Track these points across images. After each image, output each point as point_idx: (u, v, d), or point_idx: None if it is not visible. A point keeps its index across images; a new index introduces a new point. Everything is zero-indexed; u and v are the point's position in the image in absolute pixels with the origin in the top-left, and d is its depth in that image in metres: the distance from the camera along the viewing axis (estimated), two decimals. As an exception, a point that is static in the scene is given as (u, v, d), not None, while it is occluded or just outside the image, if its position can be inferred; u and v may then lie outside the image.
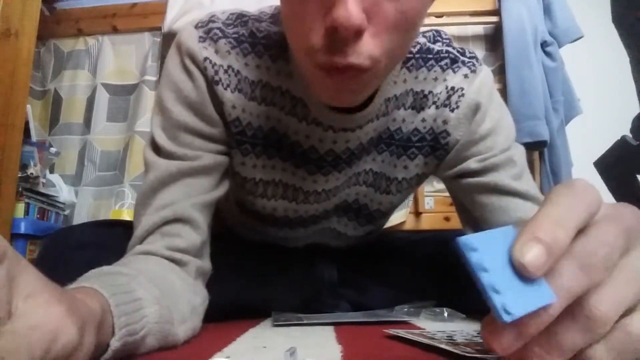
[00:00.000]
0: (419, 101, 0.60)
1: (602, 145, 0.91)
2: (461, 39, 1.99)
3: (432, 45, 0.60)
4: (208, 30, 0.55)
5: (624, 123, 0.88)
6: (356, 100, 0.51)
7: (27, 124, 1.57)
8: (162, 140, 0.54)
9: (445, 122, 0.60)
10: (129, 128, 1.95)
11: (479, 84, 0.60)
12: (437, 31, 0.63)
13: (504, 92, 1.83)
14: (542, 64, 1.77)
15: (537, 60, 1.75)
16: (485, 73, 0.61)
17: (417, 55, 0.59)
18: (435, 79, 0.60)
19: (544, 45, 1.79)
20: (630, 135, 0.81)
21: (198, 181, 0.54)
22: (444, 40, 0.62)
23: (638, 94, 0.88)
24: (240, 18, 0.57)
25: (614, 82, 1.56)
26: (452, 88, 0.60)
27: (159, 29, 1.99)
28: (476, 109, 0.59)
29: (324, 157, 0.60)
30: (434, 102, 0.60)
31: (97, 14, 2.10)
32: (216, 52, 0.55)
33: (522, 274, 0.21)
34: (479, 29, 2.00)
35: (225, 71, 0.55)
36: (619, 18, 0.86)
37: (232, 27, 0.56)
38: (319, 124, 0.57)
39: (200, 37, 0.54)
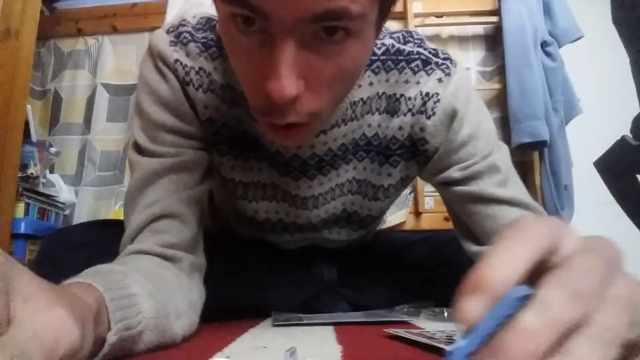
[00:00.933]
0: (392, 105, 0.59)
1: (602, 145, 0.91)
2: (461, 39, 1.99)
3: (402, 47, 0.59)
4: (178, 34, 0.56)
5: (624, 123, 0.88)
6: (304, 142, 0.54)
7: (27, 124, 1.57)
8: (143, 141, 0.55)
9: (422, 129, 0.59)
10: (129, 128, 1.95)
11: (454, 87, 0.58)
12: (407, 31, 0.62)
13: (504, 92, 1.84)
14: (542, 64, 1.76)
15: (537, 60, 1.75)
16: (460, 75, 0.59)
17: (382, 57, 0.58)
18: (407, 81, 0.59)
19: (544, 45, 1.78)
20: (630, 135, 0.81)
21: (182, 177, 0.54)
22: (415, 41, 0.60)
23: (638, 94, 0.88)
24: (209, 22, 0.58)
25: (614, 82, 1.56)
26: (427, 94, 0.58)
27: (159, 28, 1.99)
28: (453, 115, 0.57)
29: (290, 162, 0.60)
30: (410, 109, 0.59)
31: (97, 14, 2.10)
32: (187, 54, 0.56)
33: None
34: (479, 29, 2.00)
35: (197, 72, 0.56)
36: (619, 18, 0.86)
37: (201, 32, 0.57)
38: None
39: (171, 41, 0.56)
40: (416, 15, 1.95)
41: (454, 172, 0.59)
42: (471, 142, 0.58)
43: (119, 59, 2.05)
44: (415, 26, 1.89)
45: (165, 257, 0.49)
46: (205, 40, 0.56)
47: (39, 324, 0.23)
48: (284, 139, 0.46)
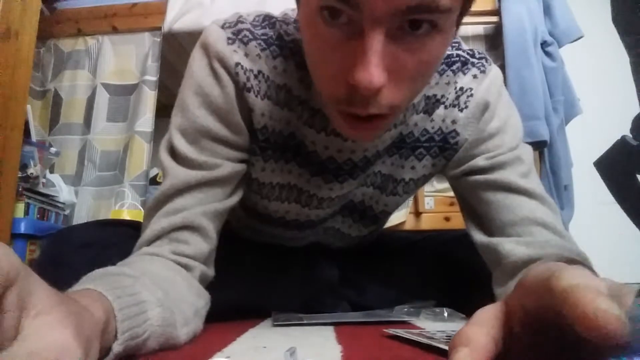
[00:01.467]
0: (431, 105, 0.61)
1: (602, 145, 0.91)
2: (461, 38, 1.99)
3: None
4: (237, 31, 0.54)
5: (624, 123, 0.88)
6: (375, 138, 0.54)
7: (27, 124, 1.57)
8: (182, 145, 0.53)
9: (454, 122, 0.60)
10: (129, 128, 1.95)
11: (488, 83, 0.60)
12: None
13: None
14: (542, 64, 1.76)
15: (537, 60, 1.75)
16: (495, 73, 0.61)
17: None
18: (448, 83, 0.60)
19: (544, 45, 1.78)
20: (630, 135, 0.81)
21: (214, 190, 0.53)
22: (453, 44, 0.62)
23: (638, 94, 0.88)
24: (268, 19, 0.56)
25: (614, 82, 1.56)
26: (461, 88, 0.60)
27: (159, 29, 1.99)
28: (485, 107, 0.59)
29: (342, 166, 0.60)
30: (443, 103, 0.60)
31: (97, 14, 2.10)
32: (246, 55, 0.53)
33: None
34: (479, 29, 2.00)
35: (256, 77, 0.54)
36: (619, 18, 0.86)
37: (260, 29, 0.55)
38: (338, 135, 0.57)
39: (229, 38, 0.53)
40: (416, 15, 1.95)
41: (479, 161, 0.60)
42: (499, 134, 0.60)
43: (119, 59, 2.05)
44: (415, 26, 1.89)
45: (178, 264, 0.49)
46: (265, 37, 0.54)
47: (42, 343, 0.23)
48: (358, 132, 0.46)
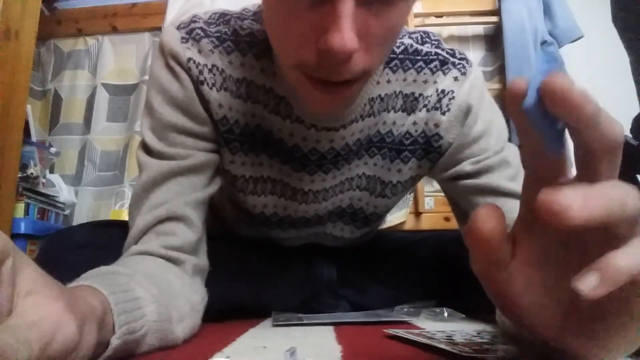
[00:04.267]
0: (410, 104, 0.60)
1: (602, 145, 0.91)
2: (461, 39, 1.99)
3: (420, 47, 0.60)
4: (190, 30, 0.55)
5: (624, 123, 0.88)
6: (344, 109, 0.53)
7: (27, 124, 1.57)
8: (153, 141, 0.55)
9: (437, 125, 0.60)
10: (129, 128, 1.95)
11: (470, 86, 0.59)
12: (425, 32, 0.63)
13: (504, 92, 1.83)
14: (542, 64, 1.76)
15: (537, 60, 1.75)
16: (475, 75, 0.61)
17: (401, 56, 0.59)
18: (425, 81, 0.60)
19: (544, 45, 1.79)
20: (630, 135, 0.81)
21: (190, 180, 0.54)
22: (433, 42, 0.61)
23: (638, 94, 0.88)
24: (223, 17, 0.58)
25: (614, 82, 1.56)
26: (443, 91, 0.59)
27: (159, 29, 1.99)
28: (467, 111, 0.59)
29: (308, 156, 0.60)
30: (425, 105, 0.60)
31: (97, 14, 2.10)
32: (199, 51, 0.55)
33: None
34: (479, 29, 2.00)
35: (210, 70, 0.55)
36: (619, 18, 0.86)
37: (215, 26, 0.56)
38: (301, 122, 0.57)
39: (183, 37, 0.55)
40: (416, 15, 1.95)
41: (466, 166, 0.60)
42: (484, 137, 0.59)
43: (119, 59, 2.06)
44: (415, 26, 1.89)
45: (168, 259, 0.49)
46: (219, 34, 0.56)
47: (37, 316, 0.24)
48: (328, 103, 0.46)
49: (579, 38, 1.80)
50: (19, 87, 1.49)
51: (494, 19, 1.92)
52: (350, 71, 0.41)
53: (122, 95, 2.01)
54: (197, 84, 0.55)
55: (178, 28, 0.56)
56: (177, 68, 0.55)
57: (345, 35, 0.37)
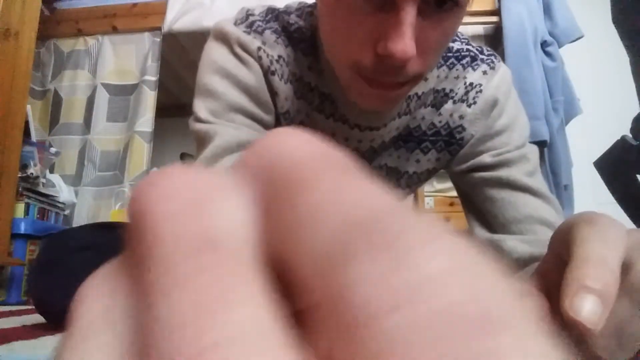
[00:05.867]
0: (440, 99, 0.61)
1: (602, 145, 0.91)
2: (461, 39, 1.99)
3: (451, 44, 0.61)
4: (250, 24, 0.55)
5: (624, 123, 0.88)
6: (392, 107, 0.54)
7: (27, 124, 1.57)
8: (215, 121, 0.53)
9: (461, 117, 0.60)
10: (129, 128, 1.95)
11: (498, 80, 0.60)
12: None
13: (504, 92, 1.84)
14: (542, 64, 1.77)
15: (537, 60, 1.75)
16: (504, 70, 0.62)
17: None
18: (457, 77, 0.61)
19: (544, 45, 1.79)
20: (630, 135, 0.81)
21: None
22: (462, 39, 0.62)
23: (638, 94, 0.88)
24: (272, 12, 0.57)
25: (614, 82, 1.56)
26: (471, 84, 0.60)
27: (159, 29, 1.99)
28: (493, 104, 0.60)
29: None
30: (452, 98, 0.61)
31: (97, 14, 2.10)
32: (264, 43, 0.54)
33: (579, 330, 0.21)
34: (479, 29, 2.00)
35: (277, 61, 0.54)
36: (619, 18, 0.86)
37: (267, 22, 0.56)
38: (345, 122, 0.57)
39: (244, 31, 0.54)
40: (416, 15, 1.95)
41: (485, 158, 0.60)
42: (507, 131, 0.60)
43: (119, 59, 2.05)
44: (415, 26, 1.89)
45: None
46: (273, 28, 0.56)
47: None
48: (378, 101, 0.48)
49: (579, 38, 1.80)
50: (19, 87, 1.49)
51: (494, 18, 1.92)
52: (404, 75, 0.43)
53: (122, 95, 2.01)
54: (268, 74, 0.54)
55: (235, 24, 0.55)
56: (246, 56, 0.53)
57: (407, 42, 0.40)
